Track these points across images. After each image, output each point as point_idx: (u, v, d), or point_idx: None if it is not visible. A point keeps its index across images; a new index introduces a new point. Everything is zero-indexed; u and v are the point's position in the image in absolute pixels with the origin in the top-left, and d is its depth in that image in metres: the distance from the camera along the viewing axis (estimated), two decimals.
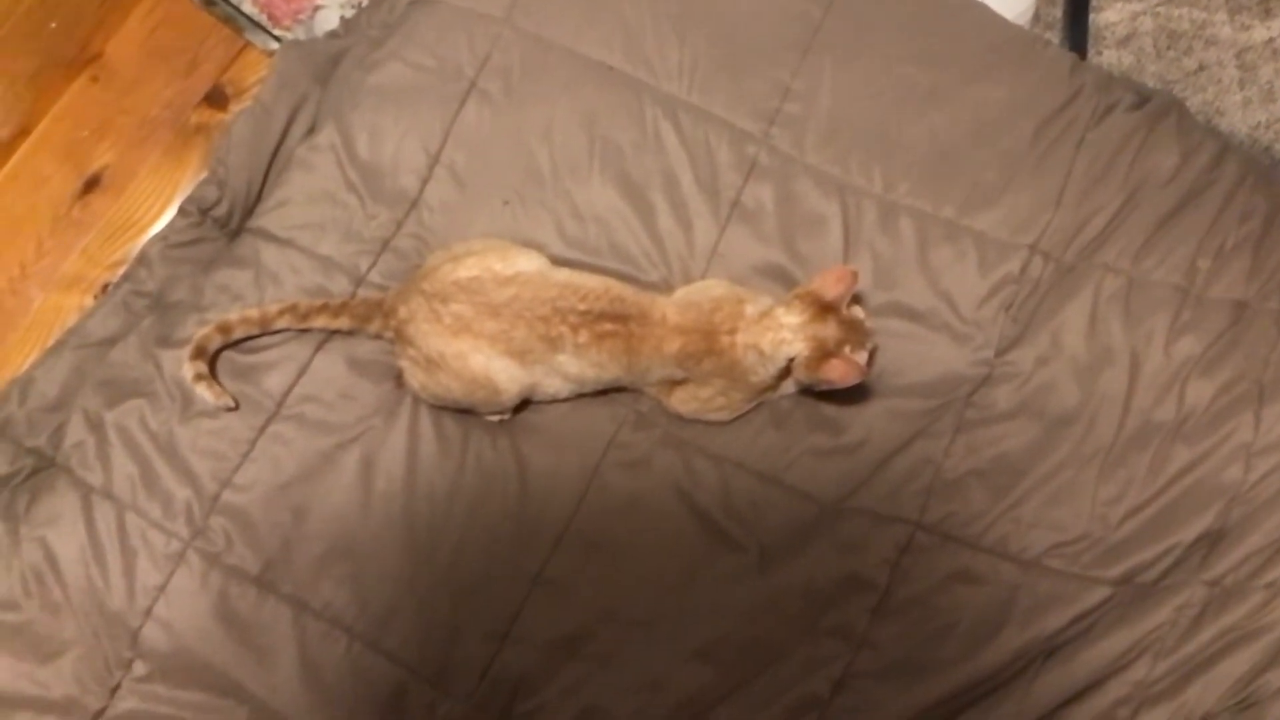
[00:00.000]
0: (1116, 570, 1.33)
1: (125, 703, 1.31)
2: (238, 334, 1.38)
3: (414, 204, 1.48)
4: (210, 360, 1.38)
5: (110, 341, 1.48)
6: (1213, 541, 1.32)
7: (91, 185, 1.86)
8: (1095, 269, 1.44)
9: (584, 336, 1.31)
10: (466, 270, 1.34)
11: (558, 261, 1.41)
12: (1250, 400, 1.36)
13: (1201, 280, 1.43)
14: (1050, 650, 1.31)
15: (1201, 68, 1.58)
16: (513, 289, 1.32)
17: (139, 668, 1.32)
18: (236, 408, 1.38)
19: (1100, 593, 1.32)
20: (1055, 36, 1.72)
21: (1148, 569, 1.32)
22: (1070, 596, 1.32)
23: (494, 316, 1.31)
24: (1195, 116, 1.59)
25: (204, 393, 1.36)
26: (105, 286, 1.77)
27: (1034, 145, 1.50)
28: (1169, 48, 1.60)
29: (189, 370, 1.35)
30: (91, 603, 1.32)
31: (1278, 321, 1.40)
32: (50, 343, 1.56)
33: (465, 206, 1.48)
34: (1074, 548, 1.34)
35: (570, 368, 1.34)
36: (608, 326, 1.32)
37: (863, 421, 1.41)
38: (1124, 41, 1.62)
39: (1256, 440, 1.34)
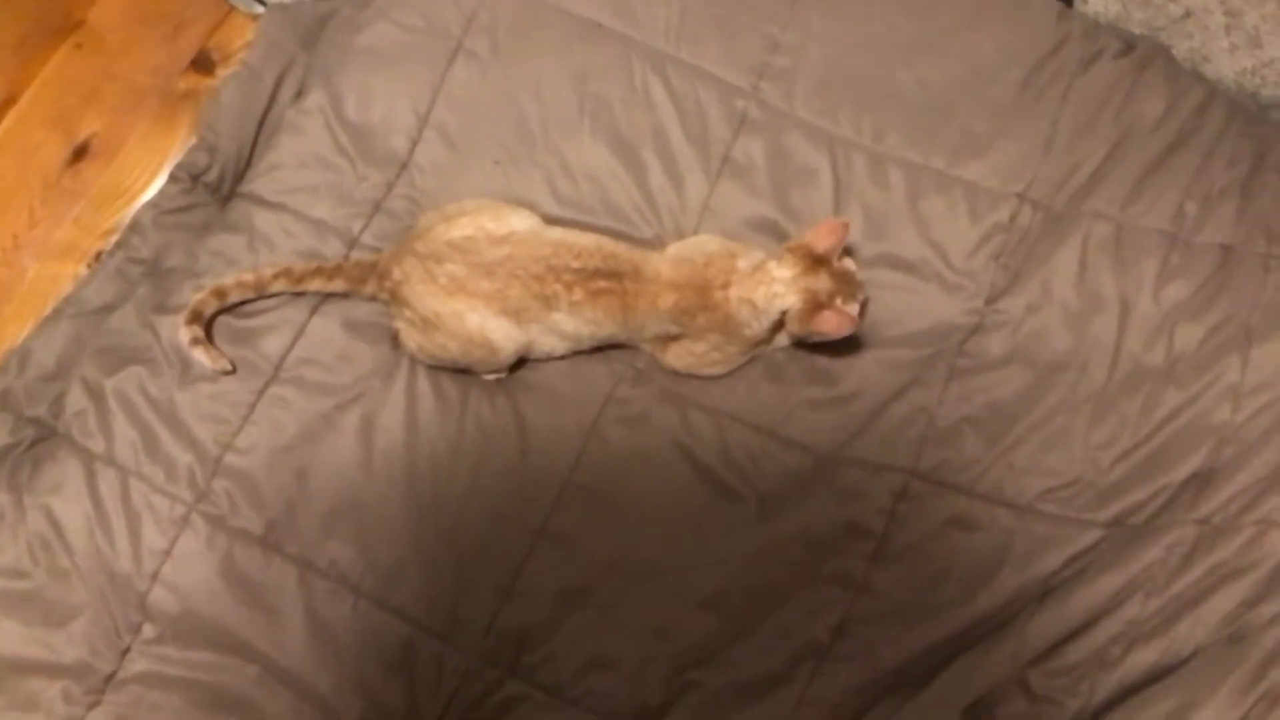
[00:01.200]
0: (1109, 512, 1.35)
1: (136, 665, 1.33)
2: (233, 298, 1.39)
3: (405, 165, 1.49)
4: (206, 325, 1.38)
5: (107, 310, 1.49)
6: (1202, 481, 1.33)
7: (81, 153, 1.85)
8: (1084, 216, 1.45)
9: (579, 294, 1.32)
10: (459, 230, 1.34)
11: (550, 220, 1.42)
12: (1238, 342, 1.37)
13: (1189, 225, 1.44)
14: (1045, 592, 1.32)
15: (1187, 14, 1.57)
16: (506, 248, 1.33)
17: (148, 630, 1.34)
18: (234, 371, 1.39)
19: (1093, 534, 1.34)
20: None
21: (1139, 510, 1.34)
22: (1064, 539, 1.34)
23: (488, 276, 1.32)
24: (1181, 64, 1.59)
25: (200, 357, 1.36)
26: (99, 255, 1.76)
27: (1022, 94, 1.51)
28: None
29: (185, 335, 1.36)
30: (99, 568, 1.34)
31: (1264, 264, 1.42)
32: (46, 313, 1.56)
33: (456, 167, 1.48)
34: (1067, 491, 1.36)
35: (566, 325, 1.35)
36: (602, 284, 1.33)
37: (856, 372, 1.42)
38: None
39: (1244, 381, 1.36)
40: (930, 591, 1.34)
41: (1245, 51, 1.57)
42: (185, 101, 1.89)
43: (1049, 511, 1.36)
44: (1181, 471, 1.35)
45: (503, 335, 1.33)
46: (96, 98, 1.87)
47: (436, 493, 1.37)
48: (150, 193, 1.74)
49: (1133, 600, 1.29)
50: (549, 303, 1.32)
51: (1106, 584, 1.30)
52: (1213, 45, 1.59)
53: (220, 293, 1.38)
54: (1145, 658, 1.27)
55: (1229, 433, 1.35)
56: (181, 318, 1.37)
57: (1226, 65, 1.59)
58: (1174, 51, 1.59)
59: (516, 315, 1.33)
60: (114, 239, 1.60)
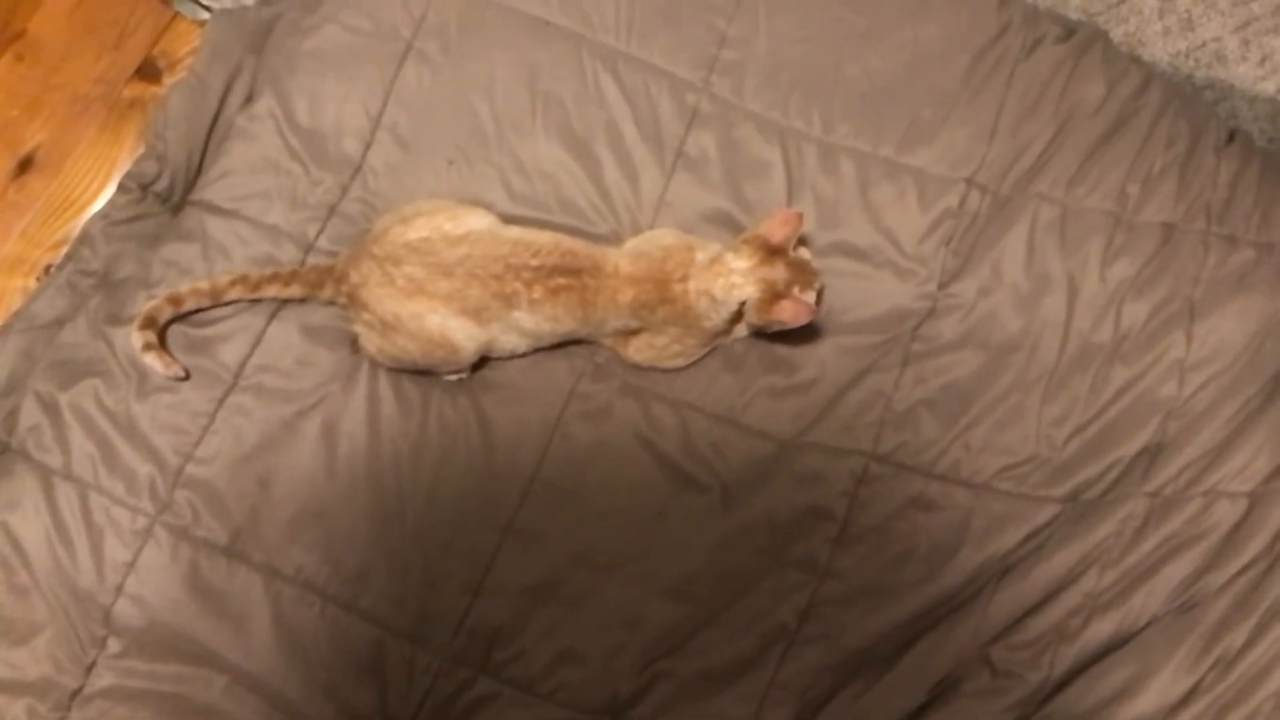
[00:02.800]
0: (1064, 488, 1.38)
1: (102, 680, 1.32)
2: (188, 305, 1.38)
3: (358, 168, 1.48)
4: (160, 333, 1.37)
5: (58, 323, 1.47)
6: (1152, 455, 1.37)
7: (26, 165, 1.82)
8: (1031, 199, 1.48)
9: (538, 292, 1.32)
10: (416, 231, 1.34)
11: (506, 219, 1.42)
12: (1182, 318, 1.41)
13: (1132, 205, 1.48)
14: (1005, 569, 1.35)
15: None
16: (464, 248, 1.33)
17: (113, 645, 1.32)
18: (187, 377, 1.37)
19: (1049, 511, 1.37)
20: None
21: (1093, 485, 1.38)
22: (1021, 516, 1.37)
23: (447, 276, 1.32)
24: (1119, 47, 1.63)
25: (153, 362, 1.35)
26: (48, 268, 1.74)
27: (967, 81, 1.53)
28: None
29: (138, 340, 1.34)
30: (60, 584, 1.32)
31: (1204, 241, 1.46)
32: None
33: (410, 168, 1.48)
34: (1023, 469, 1.39)
35: (526, 323, 1.35)
36: (561, 281, 1.33)
37: (814, 360, 1.44)
38: None
39: (1189, 356, 1.40)
40: (893, 572, 1.36)
41: (1178, 35, 1.61)
42: (132, 110, 1.87)
43: (1006, 489, 1.39)
44: (1132, 446, 1.38)
45: (463, 335, 1.33)
46: (40, 109, 1.84)
47: (401, 495, 1.37)
48: (99, 203, 1.72)
49: (1089, 574, 1.33)
50: (509, 301, 1.33)
51: (1064, 559, 1.34)
52: (1147, 29, 1.62)
53: (175, 300, 1.36)
54: (1103, 629, 1.30)
55: (1176, 407, 1.39)
56: (134, 323, 1.35)
57: (1161, 48, 1.63)
58: (1111, 35, 1.62)
59: (477, 315, 1.33)
60: (63, 251, 1.58)
